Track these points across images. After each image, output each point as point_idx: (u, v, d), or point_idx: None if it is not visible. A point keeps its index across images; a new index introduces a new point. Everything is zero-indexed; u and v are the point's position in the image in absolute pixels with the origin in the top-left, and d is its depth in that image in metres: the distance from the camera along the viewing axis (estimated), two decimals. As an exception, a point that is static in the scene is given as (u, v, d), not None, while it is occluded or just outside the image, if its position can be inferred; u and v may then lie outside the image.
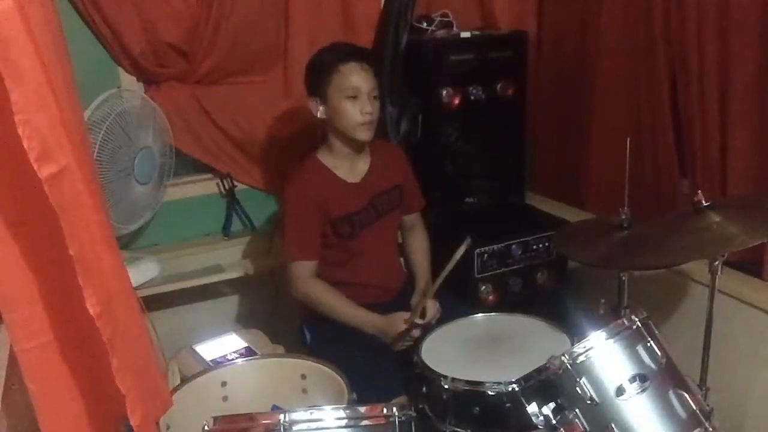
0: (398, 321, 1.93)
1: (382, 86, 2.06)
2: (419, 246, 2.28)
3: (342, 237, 2.05)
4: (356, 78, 1.95)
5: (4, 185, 0.92)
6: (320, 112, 2.00)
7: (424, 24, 2.54)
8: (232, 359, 1.88)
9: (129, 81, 2.32)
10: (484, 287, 2.36)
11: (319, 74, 1.98)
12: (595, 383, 1.32)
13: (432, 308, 1.95)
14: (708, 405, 1.40)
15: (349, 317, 1.99)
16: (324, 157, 2.07)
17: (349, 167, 2.09)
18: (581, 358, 1.33)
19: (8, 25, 0.80)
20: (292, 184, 2.03)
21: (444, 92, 2.41)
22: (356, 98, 1.95)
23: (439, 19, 2.56)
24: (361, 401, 1.50)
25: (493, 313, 1.96)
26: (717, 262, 1.62)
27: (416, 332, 1.91)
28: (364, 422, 1.29)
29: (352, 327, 1.98)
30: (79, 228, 0.93)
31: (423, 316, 1.93)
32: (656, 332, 1.42)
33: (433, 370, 1.66)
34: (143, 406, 1.04)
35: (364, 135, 2.01)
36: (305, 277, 2.00)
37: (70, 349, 1.02)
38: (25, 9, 0.83)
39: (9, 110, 0.82)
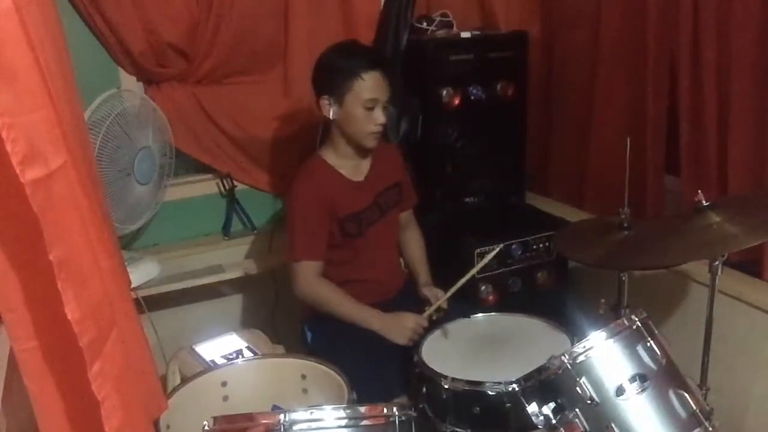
0: (405, 318, 1.95)
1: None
2: (416, 242, 2.29)
3: (349, 236, 2.05)
4: (377, 89, 1.93)
5: (5, 185, 0.92)
6: (332, 112, 1.97)
7: (424, 24, 2.54)
8: (232, 359, 1.88)
9: (129, 81, 2.32)
10: (484, 287, 2.36)
11: (337, 77, 1.94)
12: (595, 383, 1.32)
13: (444, 304, 2.01)
14: (708, 405, 1.40)
15: (354, 315, 1.99)
16: (328, 157, 2.07)
17: (352, 166, 2.09)
18: (581, 358, 1.33)
19: (4, 26, 0.80)
20: (299, 183, 2.02)
21: (444, 92, 2.41)
22: (372, 108, 1.94)
23: (439, 19, 2.56)
24: (362, 400, 1.50)
25: (493, 313, 1.96)
26: (717, 262, 1.62)
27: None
28: (364, 422, 1.29)
29: (357, 325, 1.98)
30: (70, 230, 0.92)
31: (437, 311, 2.00)
32: (656, 332, 1.42)
33: (433, 370, 1.66)
34: (125, 412, 1.03)
35: (372, 143, 2.02)
36: (311, 278, 1.99)
37: (71, 349, 1.02)
38: (22, 9, 0.82)
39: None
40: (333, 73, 1.96)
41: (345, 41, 2.10)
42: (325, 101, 1.97)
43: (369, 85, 1.92)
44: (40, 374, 1.01)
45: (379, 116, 1.95)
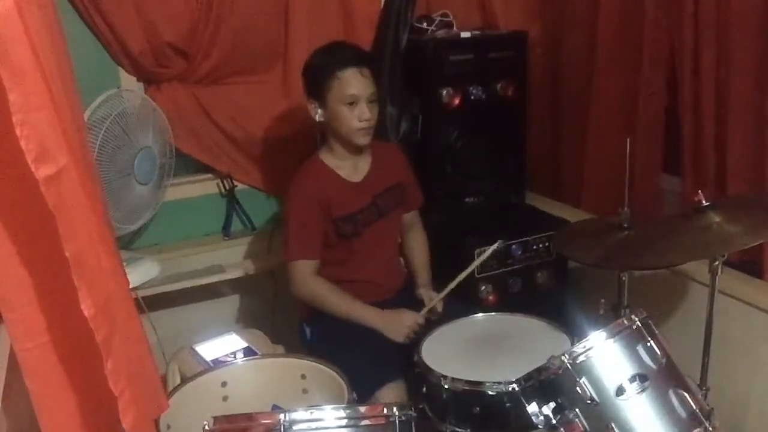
0: (404, 315, 1.96)
1: (381, 88, 2.05)
2: (419, 244, 2.29)
3: (345, 236, 2.05)
4: (355, 85, 1.94)
5: (4, 185, 0.92)
6: (319, 115, 2.00)
7: (424, 24, 2.54)
8: (232, 359, 1.88)
9: (129, 81, 2.32)
10: (484, 287, 2.36)
11: (317, 79, 1.97)
12: (595, 383, 1.32)
13: (439, 305, 2.02)
14: (708, 405, 1.40)
15: (352, 313, 1.99)
16: (326, 158, 2.08)
17: (351, 167, 2.09)
18: (581, 358, 1.33)
19: (7, 26, 0.80)
20: (296, 184, 2.03)
21: (444, 92, 2.40)
22: (354, 104, 1.95)
23: (439, 19, 2.56)
24: (361, 396, 1.50)
25: (493, 313, 1.96)
26: (717, 262, 1.62)
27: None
28: (364, 422, 1.29)
29: (355, 323, 1.98)
30: (77, 229, 0.93)
31: (431, 311, 2.00)
32: (656, 332, 1.42)
33: (433, 370, 1.66)
34: (137, 407, 1.04)
35: (362, 140, 2.02)
36: (307, 276, 2.00)
37: (71, 349, 1.02)
38: (24, 10, 0.83)
39: (7, 110, 0.82)
40: (313, 75, 2.00)
41: (328, 43, 2.09)
42: (311, 105, 2.00)
43: (346, 82, 1.93)
44: (42, 374, 1.01)
45: (364, 112, 1.96)
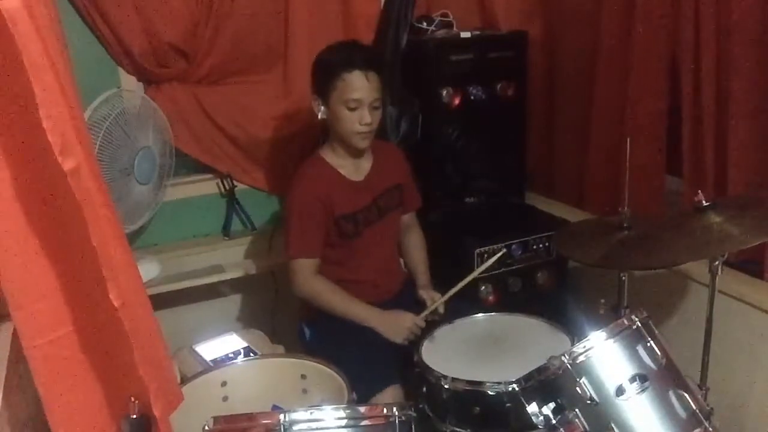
0: (404, 317, 1.96)
1: (384, 90, 2.04)
2: (417, 244, 2.28)
3: (345, 236, 2.05)
4: (359, 89, 1.92)
5: (18, 182, 0.92)
6: (321, 112, 1.99)
7: (424, 24, 2.54)
8: (232, 359, 1.88)
9: (129, 81, 2.33)
10: (484, 287, 2.35)
11: (323, 77, 1.96)
12: (595, 383, 1.32)
13: (441, 307, 2.01)
14: (708, 405, 1.40)
15: (352, 312, 1.99)
16: (327, 156, 2.07)
17: (352, 166, 2.09)
18: (581, 358, 1.34)
19: (23, 22, 0.81)
20: (297, 182, 2.03)
21: (444, 92, 2.41)
22: (356, 108, 1.94)
23: (439, 19, 2.56)
24: (361, 397, 1.50)
25: (493, 313, 1.96)
26: (717, 262, 1.62)
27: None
28: (364, 422, 1.29)
29: (353, 323, 1.98)
30: (96, 222, 0.93)
31: (433, 313, 1.99)
32: (656, 332, 1.42)
33: (433, 370, 1.66)
34: (162, 397, 1.05)
35: (361, 143, 2.01)
36: (307, 275, 2.00)
37: (80, 345, 1.02)
38: (33, 8, 0.83)
39: (28, 106, 0.82)
40: (319, 73, 1.99)
41: (340, 41, 2.09)
42: (314, 101, 2.00)
43: (350, 86, 1.92)
44: (50, 370, 1.01)
45: (365, 116, 1.94)
